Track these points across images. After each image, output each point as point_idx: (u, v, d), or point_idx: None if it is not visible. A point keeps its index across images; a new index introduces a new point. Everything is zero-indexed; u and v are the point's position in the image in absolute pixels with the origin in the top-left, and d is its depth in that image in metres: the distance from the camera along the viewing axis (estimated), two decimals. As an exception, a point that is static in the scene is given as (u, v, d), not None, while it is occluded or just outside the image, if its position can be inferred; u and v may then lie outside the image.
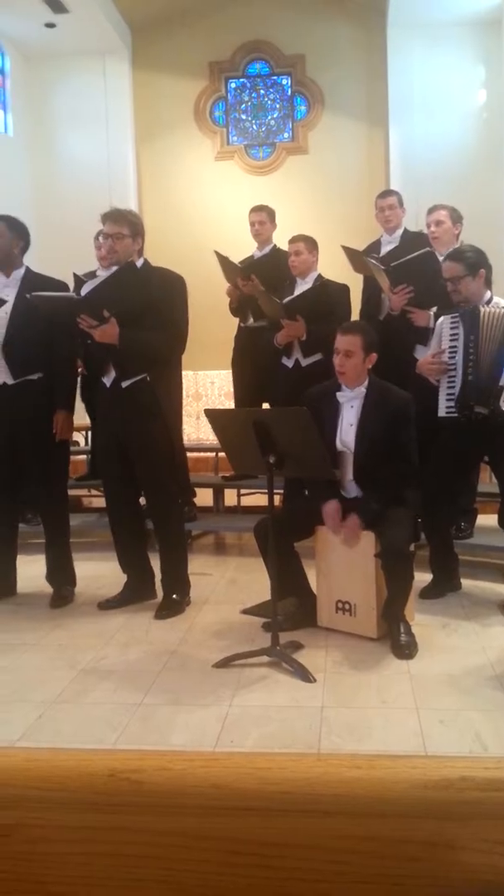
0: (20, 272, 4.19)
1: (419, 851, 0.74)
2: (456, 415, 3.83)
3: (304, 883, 0.73)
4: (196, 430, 8.85)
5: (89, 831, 0.74)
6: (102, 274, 5.36)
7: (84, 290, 4.02)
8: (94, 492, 6.48)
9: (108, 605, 4.21)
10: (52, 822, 0.74)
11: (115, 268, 4.01)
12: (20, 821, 0.75)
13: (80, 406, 5.66)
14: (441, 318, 4.01)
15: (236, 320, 5.94)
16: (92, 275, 4.88)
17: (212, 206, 10.49)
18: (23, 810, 0.74)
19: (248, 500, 6.23)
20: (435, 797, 0.69)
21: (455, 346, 3.85)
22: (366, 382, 3.69)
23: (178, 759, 0.70)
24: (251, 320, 5.52)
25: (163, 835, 0.72)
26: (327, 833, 0.71)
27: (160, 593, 4.23)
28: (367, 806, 0.70)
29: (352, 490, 3.69)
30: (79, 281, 5.35)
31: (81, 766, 0.70)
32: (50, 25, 10.21)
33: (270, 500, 3.45)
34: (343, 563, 3.66)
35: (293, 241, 5.03)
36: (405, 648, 3.41)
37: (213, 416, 3.52)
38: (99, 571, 4.82)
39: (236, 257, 5.69)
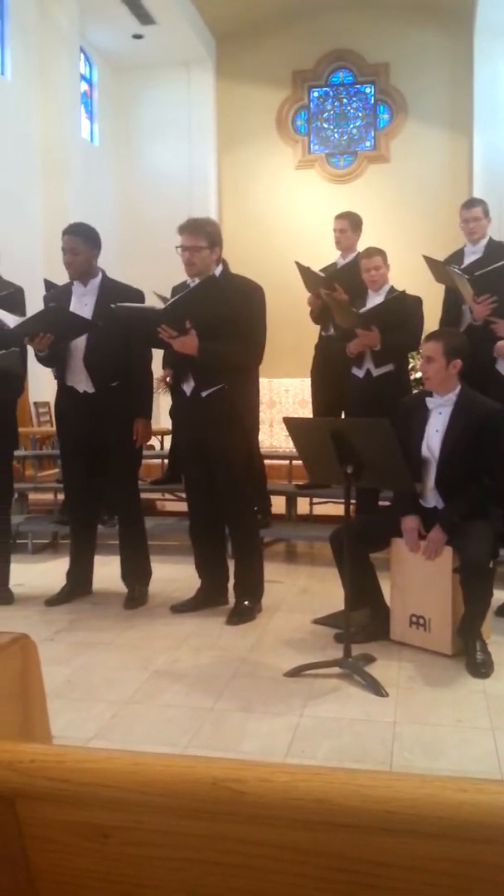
0: (97, 280, 4.26)
1: (519, 879, 0.72)
2: None
3: (401, 904, 0.72)
4: (269, 438, 8.87)
5: (189, 838, 0.74)
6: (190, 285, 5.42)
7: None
8: (167, 496, 6.56)
9: (181, 608, 4.25)
10: (153, 826, 0.75)
11: (196, 280, 4.05)
12: (121, 823, 0.76)
13: (156, 411, 5.76)
14: None
15: (312, 329, 5.92)
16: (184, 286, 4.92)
17: (291, 215, 10.52)
18: (124, 813, 0.75)
19: (320, 509, 6.21)
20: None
21: None
22: (457, 390, 3.64)
23: (281, 771, 0.70)
24: (332, 329, 5.50)
25: (262, 846, 0.72)
26: (428, 855, 0.70)
27: (232, 599, 4.25)
28: (472, 830, 0.68)
29: (431, 500, 3.63)
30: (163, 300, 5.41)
31: (185, 773, 0.71)
32: (137, 37, 10.43)
33: (347, 510, 3.43)
34: (419, 576, 3.61)
35: (370, 254, 5.00)
36: (481, 667, 3.34)
37: (292, 424, 3.52)
38: (173, 574, 4.87)
39: (315, 266, 5.68)
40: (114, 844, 0.77)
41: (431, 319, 4.99)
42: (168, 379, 5.31)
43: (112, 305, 3.93)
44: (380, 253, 4.99)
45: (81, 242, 4.18)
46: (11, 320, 4.23)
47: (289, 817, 0.69)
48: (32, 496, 6.48)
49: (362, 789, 0.67)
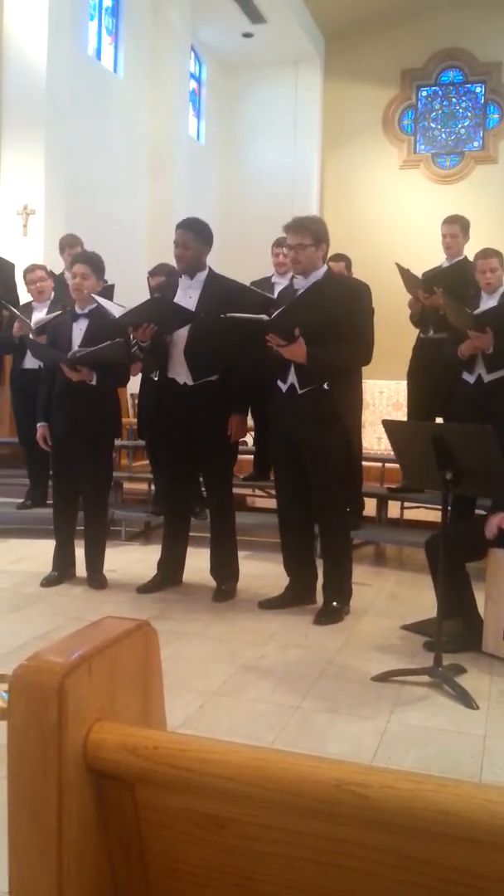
0: (203, 274, 4.32)
1: None
2: None
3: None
4: (362, 439, 8.78)
5: (306, 837, 0.74)
6: (278, 281, 5.45)
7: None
8: (258, 492, 6.58)
9: (269, 605, 4.26)
10: (270, 822, 0.75)
11: (300, 277, 4.04)
12: (238, 816, 0.76)
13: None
14: None
15: (408, 331, 5.85)
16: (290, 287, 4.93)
17: (394, 215, 10.40)
18: (242, 806, 0.75)
19: (411, 514, 6.12)
20: None
21: None
22: None
23: (406, 779, 0.69)
24: (432, 331, 5.41)
25: (381, 852, 0.71)
26: None
27: (320, 599, 4.23)
28: None
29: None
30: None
31: (308, 772, 0.71)
32: (247, 35, 10.49)
33: (444, 516, 3.37)
34: (515, 589, 3.51)
35: (487, 255, 4.89)
36: None
37: (391, 427, 3.48)
38: (261, 570, 4.89)
39: (418, 267, 5.61)
40: (229, 836, 0.78)
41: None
42: None
43: (221, 316, 3.95)
44: (497, 254, 4.89)
45: (193, 238, 4.25)
46: (117, 310, 4.34)
47: (411, 826, 0.68)
48: (127, 485, 6.61)
49: (491, 805, 0.65)
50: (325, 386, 3.94)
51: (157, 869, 0.85)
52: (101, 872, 0.84)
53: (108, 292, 5.32)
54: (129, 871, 0.85)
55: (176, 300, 4.25)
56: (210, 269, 4.37)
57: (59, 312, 5.14)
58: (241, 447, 6.34)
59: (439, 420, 5.20)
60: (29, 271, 5.76)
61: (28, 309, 5.71)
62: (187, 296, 4.27)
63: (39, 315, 5.60)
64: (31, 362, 5.45)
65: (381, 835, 0.70)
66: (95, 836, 0.82)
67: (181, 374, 4.28)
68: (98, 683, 0.81)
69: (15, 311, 5.48)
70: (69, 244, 5.96)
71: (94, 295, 4.42)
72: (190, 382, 4.26)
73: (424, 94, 10.94)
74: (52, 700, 0.77)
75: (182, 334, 4.24)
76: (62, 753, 0.77)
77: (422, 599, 4.35)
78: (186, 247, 4.24)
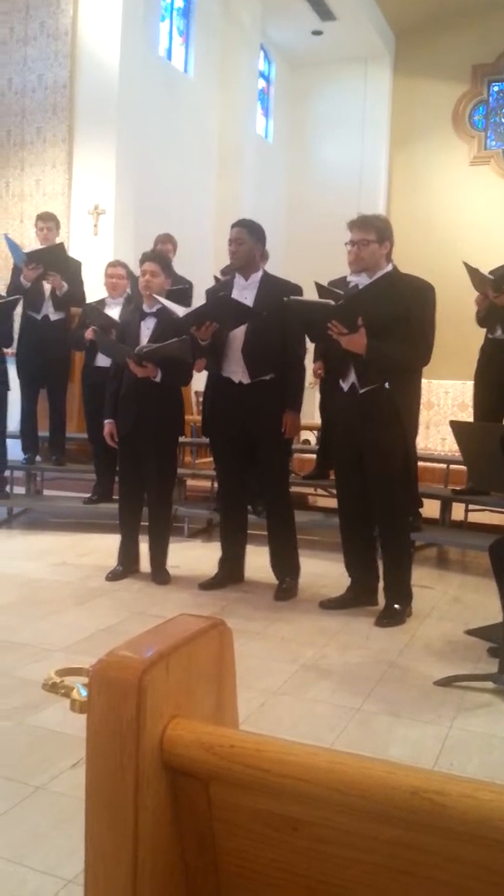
0: (258, 275, 4.37)
1: None
2: None
3: None
4: (425, 440, 8.69)
5: (380, 843, 0.74)
6: (353, 280, 5.42)
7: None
8: (319, 490, 6.57)
9: (330, 605, 4.26)
10: (344, 826, 0.75)
11: (361, 275, 4.02)
12: (312, 819, 0.77)
13: (308, 406, 5.79)
14: None
15: (475, 330, 5.74)
16: (343, 281, 4.93)
17: (463, 211, 10.25)
18: (316, 809, 0.76)
19: (475, 517, 6.03)
20: None
21: None
22: None
23: (485, 789, 0.69)
24: (499, 332, 5.32)
25: (457, 862, 0.71)
26: None
27: (381, 600, 4.20)
28: None
29: None
30: (324, 290, 5.43)
31: (384, 778, 0.71)
32: (317, 33, 10.45)
33: (512, 521, 3.31)
34: None
35: None
36: None
37: (459, 428, 3.43)
38: (322, 570, 4.88)
39: (488, 264, 5.50)
40: (302, 838, 0.78)
41: None
42: (320, 371, 5.36)
43: (285, 299, 3.99)
44: None
45: (247, 234, 4.31)
46: (180, 310, 4.40)
47: (490, 837, 0.67)
48: (190, 482, 6.67)
49: None
50: (386, 385, 3.92)
51: (229, 867, 0.86)
52: (174, 868, 0.85)
53: (184, 294, 5.39)
54: (202, 868, 0.86)
55: None
56: (264, 271, 4.41)
57: None
58: (304, 445, 6.33)
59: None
60: (111, 265, 5.89)
61: (101, 304, 5.83)
62: (243, 297, 4.31)
63: (112, 311, 5.71)
64: (102, 360, 5.56)
65: (458, 844, 0.69)
66: (169, 831, 0.84)
67: (237, 372, 4.32)
68: (175, 680, 0.82)
69: (104, 312, 5.61)
70: (162, 242, 6.07)
71: (156, 296, 4.47)
72: (246, 381, 4.30)
73: (496, 89, 10.75)
74: (130, 695, 0.78)
75: (239, 333, 4.28)
76: (140, 749, 0.78)
77: (485, 604, 4.29)
78: (240, 242, 4.30)
